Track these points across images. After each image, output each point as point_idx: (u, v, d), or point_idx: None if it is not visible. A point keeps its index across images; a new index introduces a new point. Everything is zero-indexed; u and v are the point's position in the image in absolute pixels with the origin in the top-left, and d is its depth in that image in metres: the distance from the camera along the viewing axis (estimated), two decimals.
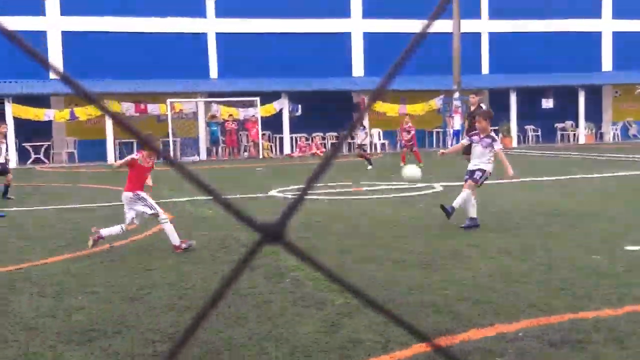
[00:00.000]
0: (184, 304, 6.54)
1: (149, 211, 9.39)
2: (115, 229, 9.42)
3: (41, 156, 29.71)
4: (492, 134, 10.81)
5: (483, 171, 10.52)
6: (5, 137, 16.62)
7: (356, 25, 34.94)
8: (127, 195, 9.46)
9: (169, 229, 9.26)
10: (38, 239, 10.53)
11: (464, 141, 11.27)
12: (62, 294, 7.06)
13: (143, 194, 9.45)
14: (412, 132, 22.50)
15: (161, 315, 6.17)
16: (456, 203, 10.47)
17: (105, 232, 9.34)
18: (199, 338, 5.48)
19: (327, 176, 19.81)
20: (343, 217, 11.97)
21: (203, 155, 30.93)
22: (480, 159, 10.57)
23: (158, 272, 8.01)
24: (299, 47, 33.09)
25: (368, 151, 24.29)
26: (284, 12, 33.14)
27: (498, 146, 10.57)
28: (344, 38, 34.59)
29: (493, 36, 36.51)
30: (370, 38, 34.82)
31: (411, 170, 12.79)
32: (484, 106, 17.65)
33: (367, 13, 34.84)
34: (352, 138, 24.17)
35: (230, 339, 5.46)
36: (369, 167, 22.16)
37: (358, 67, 35.18)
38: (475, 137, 10.71)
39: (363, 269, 7.90)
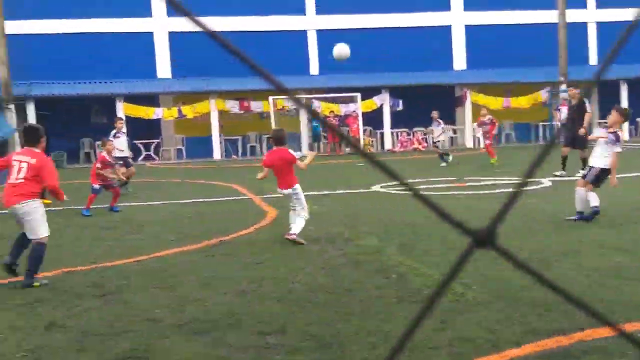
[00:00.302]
0: (293, 298, 6.65)
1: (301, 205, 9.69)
2: (300, 223, 9.60)
3: (151, 153, 30.83)
4: (619, 132, 10.48)
5: (601, 170, 10.24)
6: (123, 131, 17.49)
7: (457, 18, 34.42)
8: (289, 191, 9.67)
9: (301, 223, 9.55)
10: (151, 232, 10.95)
11: (602, 132, 10.81)
12: (176, 286, 7.32)
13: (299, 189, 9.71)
14: (493, 124, 21.46)
15: (272, 309, 6.30)
16: (579, 206, 10.30)
17: (296, 229, 9.51)
18: (309, 332, 5.57)
19: (430, 171, 19.65)
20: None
21: (305, 151, 31.28)
22: (600, 154, 10.31)
23: (267, 266, 8.18)
24: (399, 42, 32.90)
25: (440, 147, 22.91)
26: (384, 7, 33.04)
27: (618, 149, 10.23)
28: (445, 31, 34.15)
29: (601, 26, 35.11)
30: (471, 31, 34.23)
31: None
32: (586, 100, 17.05)
33: (468, 5, 34.25)
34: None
35: (339, 334, 5.51)
36: (443, 164, 21.57)
37: (460, 60, 34.65)
38: (603, 131, 10.48)
39: (476, 267, 7.79)
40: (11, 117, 27.32)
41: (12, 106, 27.50)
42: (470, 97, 32.06)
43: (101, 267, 8.36)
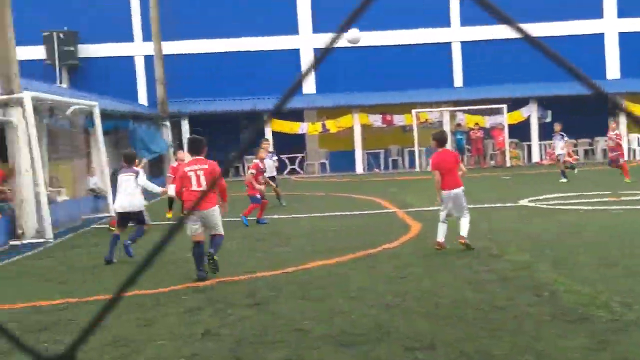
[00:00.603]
0: (439, 313, 6.58)
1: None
2: (467, 224, 9.89)
3: (296, 167, 31.55)
4: None
5: None
6: (270, 152, 17.93)
7: (610, 26, 32.86)
8: (459, 190, 9.94)
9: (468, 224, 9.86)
10: (297, 245, 11.20)
11: None
12: (323, 298, 7.45)
13: None
14: (619, 142, 19.99)
15: (419, 323, 6.27)
16: None
17: (465, 233, 9.82)
18: (459, 348, 5.49)
19: (582, 186, 18.81)
20: (602, 227, 11.30)
21: None
22: None
23: (411, 280, 8.15)
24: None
25: (561, 161, 21.04)
26: (532, 16, 32.09)
27: None
28: (597, 39, 32.68)
29: None
30: (625, 38, 32.56)
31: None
32: None
33: (622, 12, 32.61)
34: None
35: (490, 351, 5.40)
36: (562, 179, 20.20)
37: (613, 69, 33.04)
38: None
39: (636, 285, 7.39)
40: (167, 134, 28.89)
41: (167, 123, 29.09)
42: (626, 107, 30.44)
43: (253, 278, 8.64)
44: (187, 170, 9.01)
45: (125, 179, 10.58)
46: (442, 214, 9.94)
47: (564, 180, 20.21)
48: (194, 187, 8.86)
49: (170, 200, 15.64)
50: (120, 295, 0.80)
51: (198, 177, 8.87)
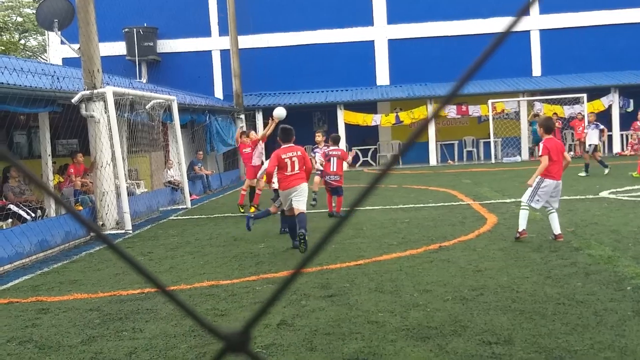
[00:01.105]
0: (517, 307, 6.44)
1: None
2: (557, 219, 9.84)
3: (369, 159, 31.47)
4: None
5: None
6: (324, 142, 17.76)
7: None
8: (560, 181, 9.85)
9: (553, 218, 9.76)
10: (371, 237, 11.15)
11: None
12: (399, 290, 7.39)
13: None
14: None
15: (495, 318, 6.14)
16: None
17: (558, 228, 9.79)
18: (538, 343, 5.36)
19: (612, 180, 18.08)
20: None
21: (525, 156, 30.24)
22: None
23: (488, 273, 8.00)
24: (628, 38, 30.73)
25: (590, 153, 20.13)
26: (607, 3, 31.04)
27: None
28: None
29: None
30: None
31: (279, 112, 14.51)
32: None
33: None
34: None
35: (571, 347, 5.24)
36: (606, 170, 19.41)
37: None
38: None
39: None
40: (242, 126, 29.26)
41: (242, 116, 29.46)
42: None
43: (326, 269, 8.66)
44: (283, 157, 10.23)
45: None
46: (535, 203, 9.67)
47: (584, 174, 19.47)
48: (289, 172, 10.23)
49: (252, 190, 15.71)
50: (299, 272, 0.82)
51: (293, 163, 10.26)
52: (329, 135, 15.00)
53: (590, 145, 20.20)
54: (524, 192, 9.99)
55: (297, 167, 10.24)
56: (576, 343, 5.33)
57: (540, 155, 9.76)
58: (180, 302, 0.87)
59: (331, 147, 14.23)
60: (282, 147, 10.41)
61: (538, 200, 9.66)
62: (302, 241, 9.79)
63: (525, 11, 0.86)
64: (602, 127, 20.44)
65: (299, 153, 10.34)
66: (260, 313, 0.86)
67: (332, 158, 13.86)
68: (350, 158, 14.79)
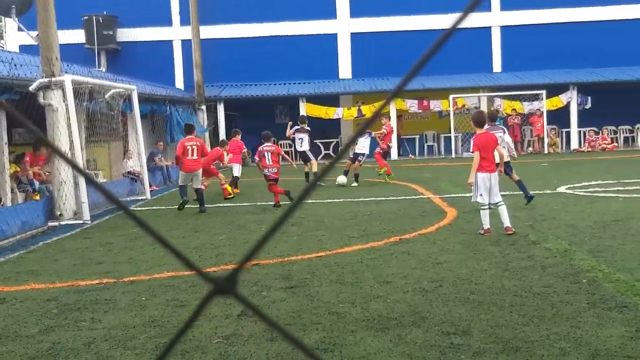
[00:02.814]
0: (476, 299, 6.53)
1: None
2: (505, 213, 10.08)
3: (330, 152, 31.50)
4: None
5: None
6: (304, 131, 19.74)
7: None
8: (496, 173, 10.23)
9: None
10: (334, 229, 11.18)
11: None
12: (359, 282, 7.43)
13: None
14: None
15: (454, 309, 6.22)
16: None
17: (508, 222, 10.02)
18: (495, 334, 5.44)
19: (622, 173, 18.49)
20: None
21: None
22: None
23: (447, 266, 8.09)
24: (588, 36, 31.25)
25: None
26: (568, 1, 31.54)
27: None
28: (637, 25, 31.94)
29: None
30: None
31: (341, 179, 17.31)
32: None
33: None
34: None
35: (527, 337, 5.34)
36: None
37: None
38: None
39: None
40: (203, 118, 29.06)
41: (204, 107, 29.24)
42: None
43: (287, 261, 8.66)
44: (186, 145, 14.31)
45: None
46: (480, 198, 9.86)
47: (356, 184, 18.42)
48: (189, 157, 14.36)
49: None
50: (279, 225, 0.85)
51: (193, 150, 14.29)
52: (262, 133, 15.99)
53: (363, 155, 18.38)
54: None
55: (195, 154, 14.29)
56: (533, 334, 5.42)
57: (472, 151, 10.07)
58: (174, 249, 0.93)
59: (265, 144, 15.16)
60: (186, 137, 14.72)
61: (481, 195, 9.90)
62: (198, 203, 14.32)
63: (473, 7, 0.89)
64: (374, 134, 18.91)
65: (197, 143, 14.43)
66: (246, 259, 0.89)
67: (266, 153, 14.87)
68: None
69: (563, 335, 5.35)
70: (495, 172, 10.04)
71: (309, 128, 20.37)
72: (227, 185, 16.66)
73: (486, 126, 10.53)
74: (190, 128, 15.23)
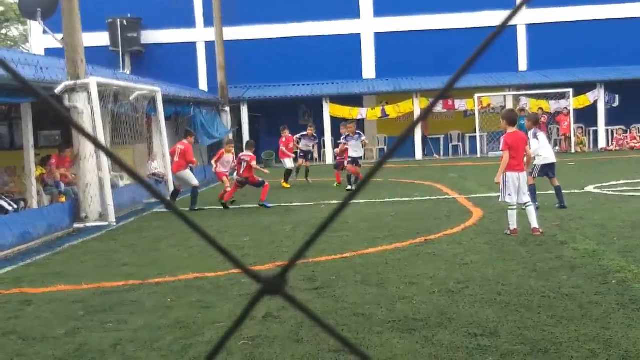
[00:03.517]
0: (503, 300, 6.44)
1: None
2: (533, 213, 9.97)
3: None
4: None
5: None
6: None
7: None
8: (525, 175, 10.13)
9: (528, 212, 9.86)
10: (357, 230, 11.13)
11: None
12: (385, 283, 7.38)
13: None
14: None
15: (481, 310, 6.14)
16: None
17: (535, 223, 9.90)
18: (523, 335, 5.36)
19: (597, 176, 18.18)
20: None
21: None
22: None
23: (474, 266, 8.00)
24: (615, 34, 30.86)
25: None
26: None
27: None
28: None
29: None
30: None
31: None
32: None
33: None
34: None
35: (556, 339, 5.25)
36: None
37: None
38: None
39: None
40: (227, 119, 29.13)
41: (227, 108, 29.31)
42: None
43: (312, 262, 8.62)
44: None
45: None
46: (508, 198, 9.76)
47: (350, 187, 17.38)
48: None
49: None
50: (329, 223, 0.88)
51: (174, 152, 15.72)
52: (247, 141, 17.10)
53: (360, 157, 17.70)
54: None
55: (176, 156, 15.38)
56: (561, 335, 5.33)
57: (502, 150, 9.90)
58: (221, 247, 0.93)
59: (244, 152, 15.82)
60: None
61: (510, 194, 9.77)
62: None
63: (520, 7, 0.86)
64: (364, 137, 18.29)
65: (182, 147, 15.39)
66: (296, 258, 0.90)
67: (242, 162, 15.42)
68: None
69: (592, 337, 5.26)
70: (525, 172, 9.92)
71: (315, 135, 21.40)
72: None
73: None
74: (187, 132, 16.55)
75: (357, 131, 18.24)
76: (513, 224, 9.79)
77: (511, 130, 10.04)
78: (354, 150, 17.51)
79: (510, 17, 0.82)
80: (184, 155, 15.48)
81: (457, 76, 0.85)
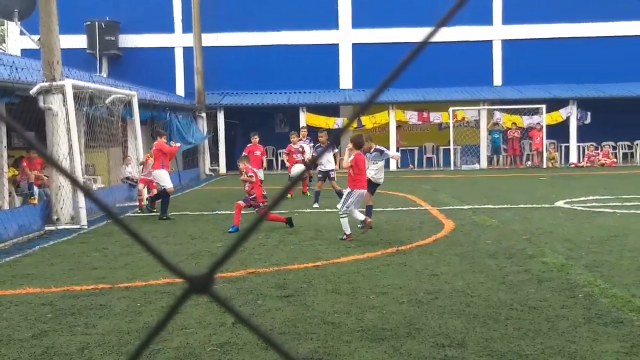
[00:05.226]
0: (471, 312, 6.51)
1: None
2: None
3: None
4: None
5: None
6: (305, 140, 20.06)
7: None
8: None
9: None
10: (331, 239, 11.17)
11: None
12: (355, 292, 7.42)
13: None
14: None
15: (449, 321, 6.20)
16: None
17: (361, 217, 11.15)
18: (490, 347, 5.42)
19: (617, 188, 18.46)
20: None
21: (483, 164, 30.61)
22: None
23: (443, 278, 8.07)
24: (589, 52, 31.33)
25: None
26: (573, 16, 31.65)
27: None
28: (638, 42, 32.00)
29: None
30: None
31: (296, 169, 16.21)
32: None
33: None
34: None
35: (522, 351, 5.32)
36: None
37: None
38: None
39: None
40: (203, 125, 29.06)
41: (204, 114, 29.26)
42: None
43: (284, 270, 8.65)
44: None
45: None
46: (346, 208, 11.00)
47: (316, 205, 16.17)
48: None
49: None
50: (256, 224, 0.90)
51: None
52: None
53: (333, 170, 16.61)
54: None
55: (151, 157, 15.27)
56: (528, 348, 5.41)
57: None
58: (145, 241, 0.93)
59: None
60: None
61: (348, 207, 11.04)
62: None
63: (443, 23, 0.90)
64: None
65: (153, 148, 15.29)
66: (224, 258, 0.89)
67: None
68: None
69: (558, 350, 5.34)
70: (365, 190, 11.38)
71: (309, 138, 20.75)
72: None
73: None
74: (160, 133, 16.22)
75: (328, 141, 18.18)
76: (347, 230, 10.99)
77: (356, 152, 11.36)
78: (328, 161, 16.36)
79: (430, 36, 0.87)
80: (159, 152, 14.93)
81: (379, 90, 0.90)
